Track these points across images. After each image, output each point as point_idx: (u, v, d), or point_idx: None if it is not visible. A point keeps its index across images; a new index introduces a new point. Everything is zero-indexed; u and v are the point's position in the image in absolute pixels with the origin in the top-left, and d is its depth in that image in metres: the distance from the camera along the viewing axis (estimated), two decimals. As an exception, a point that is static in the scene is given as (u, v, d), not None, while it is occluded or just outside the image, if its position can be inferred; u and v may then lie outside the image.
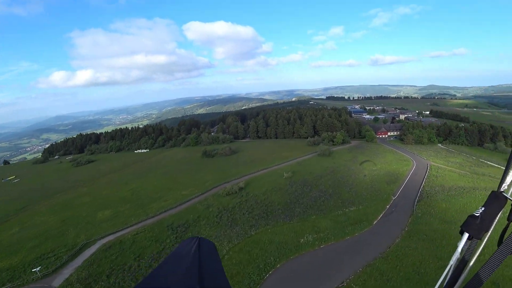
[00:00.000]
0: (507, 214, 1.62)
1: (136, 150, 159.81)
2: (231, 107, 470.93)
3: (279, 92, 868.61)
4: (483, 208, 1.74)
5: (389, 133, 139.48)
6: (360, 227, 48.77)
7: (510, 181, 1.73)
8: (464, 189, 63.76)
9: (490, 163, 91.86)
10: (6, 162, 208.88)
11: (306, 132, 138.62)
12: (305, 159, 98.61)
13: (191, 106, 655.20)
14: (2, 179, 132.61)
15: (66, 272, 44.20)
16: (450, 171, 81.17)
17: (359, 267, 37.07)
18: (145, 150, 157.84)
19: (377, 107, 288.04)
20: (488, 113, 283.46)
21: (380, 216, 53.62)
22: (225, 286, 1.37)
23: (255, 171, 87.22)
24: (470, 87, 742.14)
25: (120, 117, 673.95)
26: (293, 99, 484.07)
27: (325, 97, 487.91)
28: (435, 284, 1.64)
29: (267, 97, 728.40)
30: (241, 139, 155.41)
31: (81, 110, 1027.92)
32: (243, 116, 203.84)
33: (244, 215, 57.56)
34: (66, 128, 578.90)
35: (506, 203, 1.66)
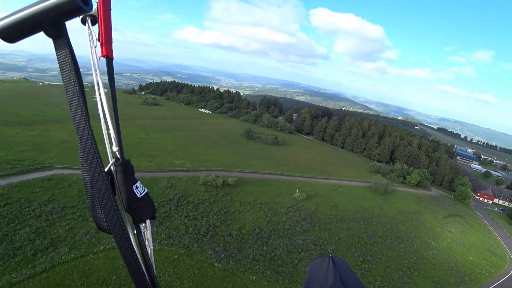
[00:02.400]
0: None
1: (201, 109, 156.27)
2: (331, 104, 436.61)
3: (387, 105, 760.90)
4: None
5: (495, 200, 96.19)
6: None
7: None
8: None
9: None
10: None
11: (379, 154, 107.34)
12: (348, 185, 71.70)
13: (293, 91, 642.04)
14: (90, 96, 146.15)
15: None
16: None
17: None
18: (207, 111, 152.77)
19: (498, 161, 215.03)
20: None
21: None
22: None
23: (272, 173, 66.78)
24: None
25: (228, 81, 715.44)
26: (399, 118, 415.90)
27: (436, 127, 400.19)
28: None
29: (372, 106, 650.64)
30: (304, 135, 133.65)
31: (199, 65, 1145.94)
32: (328, 114, 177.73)
33: (184, 220, 40.89)
34: (182, 76, 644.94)
35: None
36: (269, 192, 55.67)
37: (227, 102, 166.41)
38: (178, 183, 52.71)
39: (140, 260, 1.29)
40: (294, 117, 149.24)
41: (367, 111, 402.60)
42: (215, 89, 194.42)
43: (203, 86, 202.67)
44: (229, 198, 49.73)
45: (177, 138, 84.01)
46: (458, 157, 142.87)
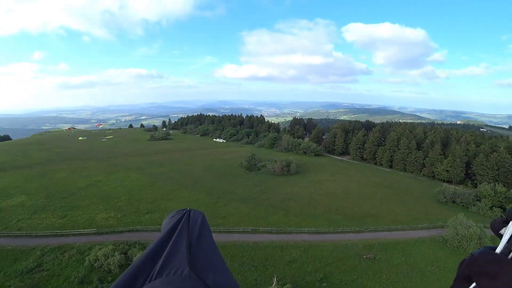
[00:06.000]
0: None
1: (215, 139, 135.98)
2: (377, 119, 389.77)
3: (441, 112, 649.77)
4: None
5: None
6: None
7: None
8: None
9: None
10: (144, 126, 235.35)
11: (447, 171, 72.39)
12: (400, 240, 38.72)
13: (336, 111, 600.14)
14: (102, 138, 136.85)
15: None
16: None
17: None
18: (221, 140, 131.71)
19: None
20: None
21: None
22: (217, 260, 1.20)
23: (249, 230, 38.39)
24: None
25: (270, 110, 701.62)
26: (458, 122, 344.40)
27: (507, 127, 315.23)
28: None
29: (424, 114, 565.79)
30: (337, 155, 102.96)
31: (241, 99, 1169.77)
32: (369, 128, 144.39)
33: None
34: (225, 111, 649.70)
35: None
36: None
37: (246, 128, 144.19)
38: (54, 261, 29.57)
39: None
40: (324, 137, 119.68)
41: (419, 121, 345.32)
42: (237, 116, 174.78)
43: (224, 115, 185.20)
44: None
45: (141, 178, 62.26)
46: None
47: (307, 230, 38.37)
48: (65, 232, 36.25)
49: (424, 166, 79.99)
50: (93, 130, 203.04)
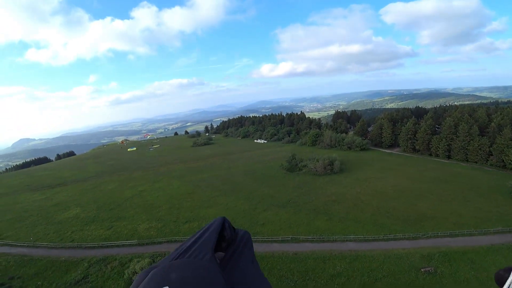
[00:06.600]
0: None
1: (256, 140, 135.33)
2: (428, 104, 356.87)
3: (506, 88, 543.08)
4: None
5: None
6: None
7: None
8: None
9: None
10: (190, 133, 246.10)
11: (522, 160, 62.32)
12: (467, 248, 32.75)
13: (381, 99, 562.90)
14: (149, 148, 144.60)
15: None
16: None
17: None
18: (262, 141, 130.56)
19: None
20: None
21: None
22: (256, 277, 1.10)
23: (287, 239, 36.41)
24: None
25: (311, 105, 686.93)
26: None
27: None
28: None
29: (484, 94, 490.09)
30: (385, 149, 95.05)
31: (281, 97, 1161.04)
32: (419, 115, 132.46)
33: None
34: (266, 110, 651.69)
35: None
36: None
37: (286, 126, 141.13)
38: (98, 272, 30.58)
39: None
40: (370, 129, 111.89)
41: (479, 101, 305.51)
42: (277, 114, 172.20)
43: (264, 115, 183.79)
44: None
45: (182, 186, 63.36)
46: None
47: (353, 237, 34.76)
48: (110, 243, 37.56)
49: (491, 155, 69.75)
50: (142, 140, 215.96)
